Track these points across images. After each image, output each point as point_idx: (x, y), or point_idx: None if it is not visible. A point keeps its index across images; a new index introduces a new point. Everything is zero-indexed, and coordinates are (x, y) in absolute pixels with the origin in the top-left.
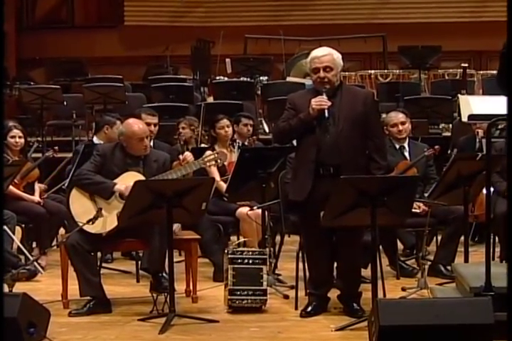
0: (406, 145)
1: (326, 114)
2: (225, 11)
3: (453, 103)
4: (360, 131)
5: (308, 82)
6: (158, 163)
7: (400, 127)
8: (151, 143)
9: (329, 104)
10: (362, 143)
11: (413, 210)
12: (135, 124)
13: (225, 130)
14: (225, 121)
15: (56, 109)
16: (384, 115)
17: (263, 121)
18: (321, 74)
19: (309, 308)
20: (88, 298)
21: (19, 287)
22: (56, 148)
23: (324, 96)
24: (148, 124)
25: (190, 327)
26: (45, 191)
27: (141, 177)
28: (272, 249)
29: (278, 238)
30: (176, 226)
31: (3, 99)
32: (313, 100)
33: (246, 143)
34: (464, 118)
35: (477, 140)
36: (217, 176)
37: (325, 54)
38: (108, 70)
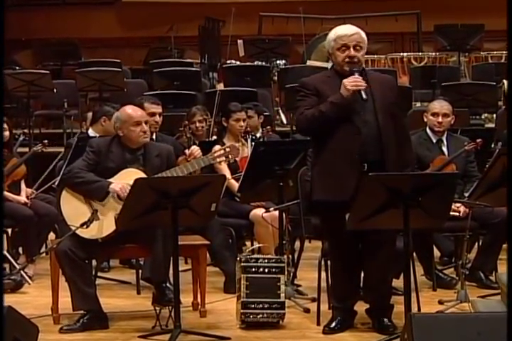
0: (444, 138)
1: (364, 96)
2: None
3: (497, 90)
4: (393, 121)
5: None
6: (161, 157)
7: (440, 119)
8: (153, 137)
9: (365, 85)
10: (396, 135)
11: (451, 213)
12: (130, 108)
13: (240, 124)
14: (243, 114)
15: (45, 97)
16: (418, 104)
17: (280, 111)
18: (352, 52)
19: (333, 324)
20: (82, 312)
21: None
22: (46, 141)
23: (357, 76)
24: (153, 114)
25: None
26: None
27: (142, 175)
28: (290, 256)
29: (297, 244)
30: None
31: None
32: (345, 80)
33: (258, 135)
34: None
35: None
36: (228, 173)
37: (354, 32)
38: (104, 53)
